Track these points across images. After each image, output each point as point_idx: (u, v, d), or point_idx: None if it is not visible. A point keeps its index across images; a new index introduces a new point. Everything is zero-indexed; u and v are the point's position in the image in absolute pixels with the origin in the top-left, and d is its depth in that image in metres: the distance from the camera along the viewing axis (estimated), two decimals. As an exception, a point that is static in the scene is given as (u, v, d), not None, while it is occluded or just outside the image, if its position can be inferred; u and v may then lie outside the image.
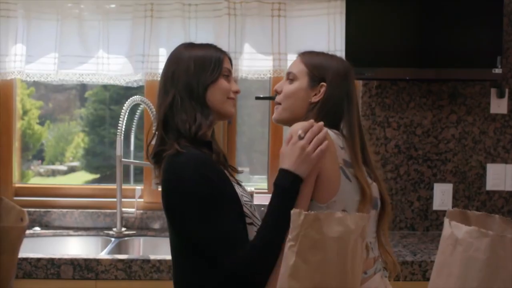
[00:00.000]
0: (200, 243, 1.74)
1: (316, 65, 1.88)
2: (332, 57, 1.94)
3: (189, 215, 1.74)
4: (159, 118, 1.88)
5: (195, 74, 1.85)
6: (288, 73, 1.92)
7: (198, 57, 1.87)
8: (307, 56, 1.92)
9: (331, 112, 1.84)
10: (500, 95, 3.05)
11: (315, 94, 1.85)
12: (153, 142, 1.91)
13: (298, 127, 1.74)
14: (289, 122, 1.86)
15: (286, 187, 1.69)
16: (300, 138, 1.72)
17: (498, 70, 2.81)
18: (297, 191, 1.69)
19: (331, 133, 1.79)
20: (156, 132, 1.90)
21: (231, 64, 1.97)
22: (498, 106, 3.07)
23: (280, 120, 1.95)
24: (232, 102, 1.93)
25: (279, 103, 1.92)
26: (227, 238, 1.70)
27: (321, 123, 1.76)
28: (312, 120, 1.76)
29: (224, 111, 1.91)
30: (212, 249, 1.71)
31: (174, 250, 1.89)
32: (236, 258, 1.67)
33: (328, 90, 1.84)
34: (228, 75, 1.91)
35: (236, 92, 1.94)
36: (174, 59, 1.90)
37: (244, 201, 1.82)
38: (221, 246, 1.69)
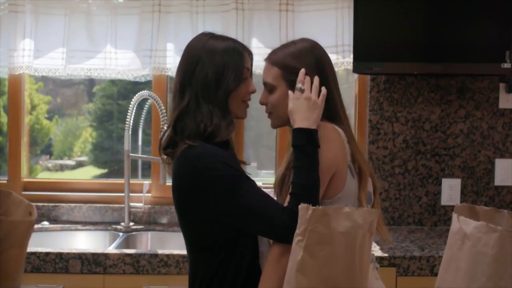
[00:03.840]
0: (239, 218, 1.74)
1: (286, 66, 1.85)
2: (296, 45, 1.89)
3: (214, 203, 1.74)
4: (172, 118, 1.85)
5: (216, 80, 1.81)
6: (265, 84, 1.90)
7: (220, 59, 1.83)
8: (274, 59, 1.88)
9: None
10: (509, 90, 3.03)
11: None
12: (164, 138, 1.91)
13: None
14: (287, 124, 1.89)
15: (304, 145, 1.72)
16: (301, 90, 1.79)
17: (506, 65, 2.79)
18: (315, 141, 1.73)
19: (338, 129, 1.80)
20: (168, 128, 1.88)
21: (252, 58, 1.94)
22: (506, 100, 3.06)
23: (278, 127, 1.98)
24: (246, 105, 1.93)
25: (271, 113, 1.92)
26: (262, 212, 1.71)
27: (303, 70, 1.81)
28: (303, 70, 1.80)
29: (236, 115, 1.90)
30: (249, 227, 1.74)
31: (187, 244, 1.90)
32: (277, 228, 1.69)
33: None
34: (246, 78, 1.88)
35: (252, 92, 1.92)
36: (195, 57, 1.84)
37: None
38: (259, 221, 1.71)
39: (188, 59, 1.86)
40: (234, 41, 1.91)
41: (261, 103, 1.93)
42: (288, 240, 1.64)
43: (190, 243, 1.89)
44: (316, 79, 1.80)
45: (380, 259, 2.50)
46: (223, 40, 1.88)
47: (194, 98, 1.82)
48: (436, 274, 1.95)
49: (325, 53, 1.90)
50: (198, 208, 1.78)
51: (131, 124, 3.02)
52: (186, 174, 1.77)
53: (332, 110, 1.85)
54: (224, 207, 1.74)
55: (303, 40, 1.92)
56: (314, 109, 1.76)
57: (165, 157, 1.90)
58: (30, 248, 2.49)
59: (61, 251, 2.54)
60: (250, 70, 1.92)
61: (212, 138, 1.80)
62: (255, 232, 1.79)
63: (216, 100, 1.82)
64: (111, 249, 2.71)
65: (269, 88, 1.88)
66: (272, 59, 1.88)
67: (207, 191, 1.74)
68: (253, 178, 1.79)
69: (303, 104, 1.77)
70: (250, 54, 1.93)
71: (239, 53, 1.86)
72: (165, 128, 1.91)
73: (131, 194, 3.08)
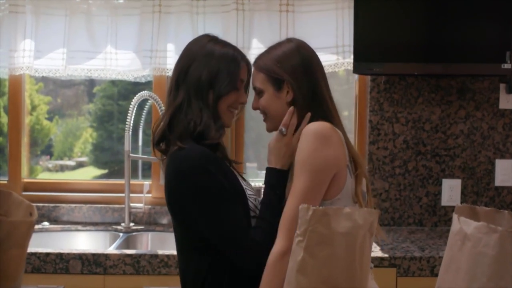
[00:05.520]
0: (202, 234, 1.78)
1: (270, 67, 1.85)
2: (281, 47, 1.89)
3: (190, 207, 1.77)
4: (168, 115, 1.86)
5: (209, 83, 1.82)
6: (254, 88, 1.91)
7: (216, 63, 1.83)
8: (259, 63, 1.89)
9: (311, 101, 1.83)
10: (509, 91, 3.03)
11: (287, 93, 1.85)
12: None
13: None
14: None
15: (275, 185, 1.79)
16: (283, 133, 1.82)
17: (507, 66, 2.79)
18: (284, 182, 1.79)
19: (338, 130, 1.80)
20: (161, 123, 1.88)
21: (249, 70, 1.94)
22: (507, 101, 3.06)
23: (273, 130, 1.96)
24: (233, 114, 1.92)
25: (266, 117, 1.93)
26: (227, 231, 1.74)
27: (292, 108, 1.83)
28: (291, 109, 1.82)
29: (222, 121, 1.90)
30: (214, 241, 1.76)
31: (177, 244, 1.92)
32: (237, 251, 1.74)
33: (293, 84, 1.83)
34: (239, 88, 1.88)
35: (242, 103, 1.92)
36: (191, 56, 1.86)
37: (248, 194, 1.83)
38: (223, 239, 1.75)
39: (185, 57, 1.88)
40: (235, 49, 1.91)
41: (254, 109, 1.94)
42: (244, 265, 1.75)
43: (182, 242, 1.89)
44: (304, 123, 1.82)
45: (380, 260, 2.50)
46: (223, 46, 1.88)
47: (187, 96, 1.83)
48: (436, 275, 1.95)
49: (313, 52, 1.90)
50: (188, 207, 1.79)
51: (131, 124, 3.02)
52: (176, 177, 1.79)
53: (324, 109, 1.84)
54: (196, 214, 1.76)
55: (289, 40, 1.92)
56: (291, 156, 1.81)
57: (160, 154, 1.92)
58: (31, 249, 2.49)
59: (62, 251, 2.54)
60: (244, 82, 1.92)
61: (202, 138, 1.81)
62: (219, 246, 1.78)
63: (206, 101, 1.83)
64: (112, 249, 2.71)
65: (258, 92, 1.89)
66: (258, 65, 1.89)
67: (191, 193, 1.76)
68: (253, 179, 1.80)
69: (282, 149, 1.82)
70: (248, 65, 1.93)
71: (236, 62, 1.86)
72: (159, 120, 1.91)
73: (131, 195, 3.08)
